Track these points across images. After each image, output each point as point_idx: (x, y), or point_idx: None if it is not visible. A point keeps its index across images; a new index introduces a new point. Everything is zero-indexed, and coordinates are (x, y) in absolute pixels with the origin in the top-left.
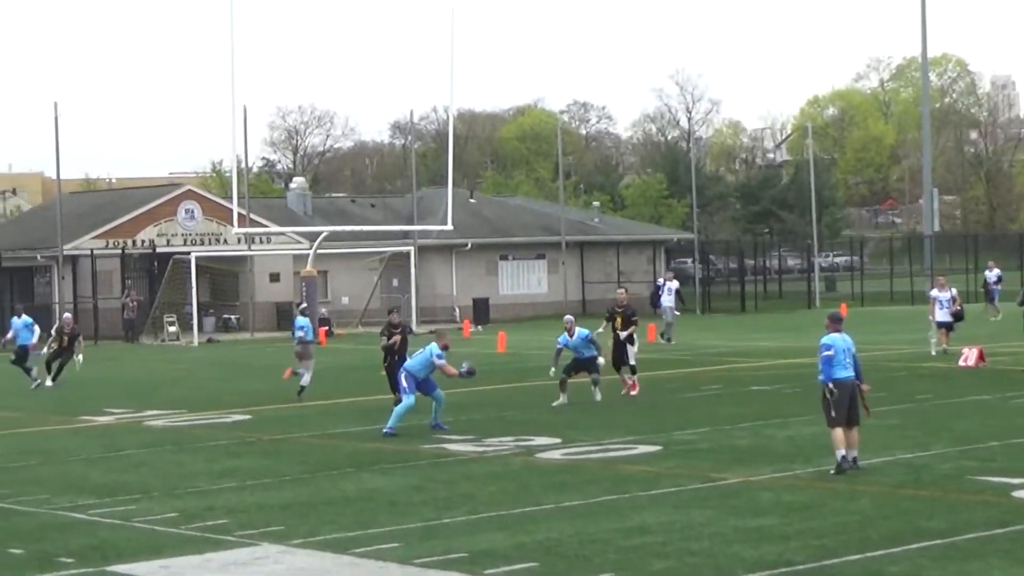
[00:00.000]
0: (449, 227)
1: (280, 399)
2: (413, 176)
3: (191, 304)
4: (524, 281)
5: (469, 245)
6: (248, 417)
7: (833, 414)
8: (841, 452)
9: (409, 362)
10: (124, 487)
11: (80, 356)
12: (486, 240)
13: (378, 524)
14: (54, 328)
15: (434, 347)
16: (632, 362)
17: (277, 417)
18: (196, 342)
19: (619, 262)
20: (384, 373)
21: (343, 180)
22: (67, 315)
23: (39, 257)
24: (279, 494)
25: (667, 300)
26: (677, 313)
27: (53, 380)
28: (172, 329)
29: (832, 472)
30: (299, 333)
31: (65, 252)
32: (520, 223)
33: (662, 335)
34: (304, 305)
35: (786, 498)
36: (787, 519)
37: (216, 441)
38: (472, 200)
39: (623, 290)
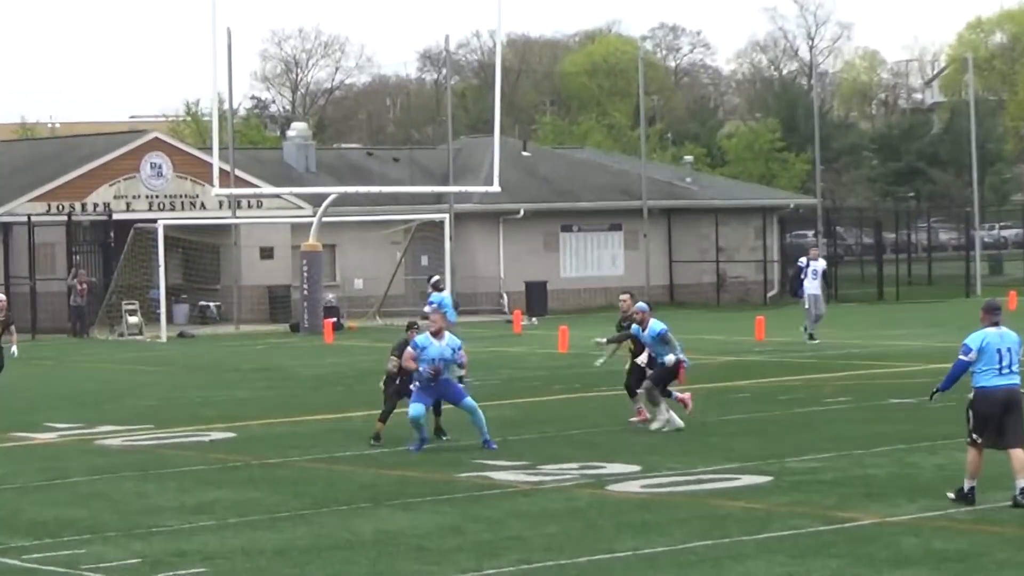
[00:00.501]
0: (495, 188)
1: (274, 410)
2: (449, 122)
3: (157, 288)
4: (593, 259)
5: (522, 212)
6: (232, 435)
7: (974, 435)
8: (970, 482)
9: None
10: (70, 525)
11: (15, 348)
12: (544, 206)
13: (399, 574)
14: None
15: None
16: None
17: (268, 435)
18: (164, 336)
19: (718, 235)
20: (382, 387)
21: (357, 127)
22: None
23: None
24: (271, 535)
25: (812, 286)
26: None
27: None
28: (133, 320)
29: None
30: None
31: None
32: (588, 184)
33: (804, 329)
34: (437, 278)
35: (936, 545)
36: (938, 572)
37: (190, 466)
38: (526, 153)
39: (627, 296)
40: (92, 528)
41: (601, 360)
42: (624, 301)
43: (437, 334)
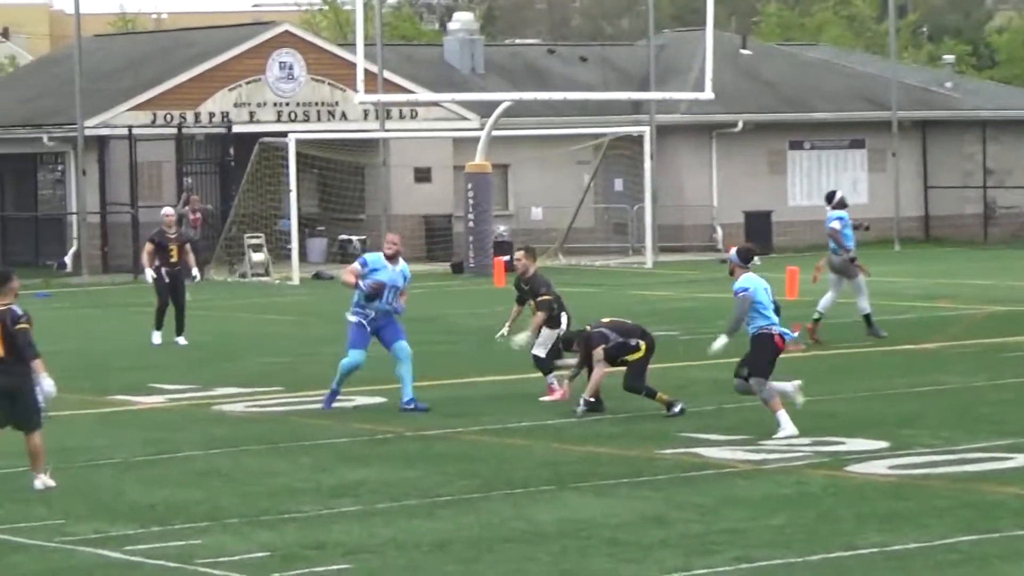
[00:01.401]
0: (708, 95)
1: (432, 370)
2: (650, 12)
3: (288, 218)
4: (829, 184)
5: (740, 125)
6: (380, 400)
7: None
8: None
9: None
10: (182, 509)
11: (195, 271)
12: (768, 117)
13: (589, 574)
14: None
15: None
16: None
17: (425, 399)
18: (296, 278)
19: (985, 154)
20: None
21: (534, 18)
22: (168, 209)
23: (46, 139)
24: (429, 524)
25: None
26: None
27: (179, 334)
28: (258, 257)
29: None
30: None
31: (88, 131)
32: (823, 90)
33: None
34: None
35: None
36: None
37: (328, 438)
38: (745, 52)
39: (522, 252)
40: (209, 514)
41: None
42: (519, 260)
43: (393, 258)
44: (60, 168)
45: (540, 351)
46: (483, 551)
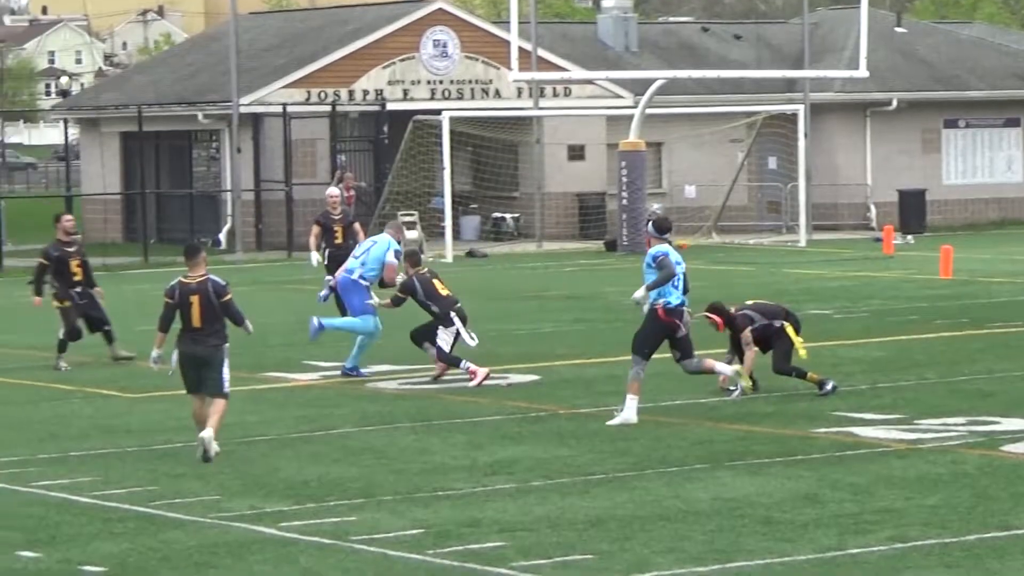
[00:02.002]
0: (862, 72)
1: (586, 348)
2: None
3: (441, 195)
4: (984, 162)
5: (895, 103)
6: (534, 378)
7: None
8: None
9: (351, 261)
10: (336, 486)
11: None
12: (923, 95)
13: (744, 553)
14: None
15: (392, 241)
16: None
17: (579, 378)
18: (450, 256)
19: None
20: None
21: None
22: (332, 190)
23: (201, 117)
24: (584, 503)
25: None
26: None
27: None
28: (411, 235)
29: None
30: None
31: (243, 109)
32: (979, 67)
33: None
34: None
35: None
36: None
37: (482, 415)
38: (900, 29)
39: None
40: (364, 491)
41: None
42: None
43: None
44: (215, 145)
45: (444, 346)
46: (637, 529)
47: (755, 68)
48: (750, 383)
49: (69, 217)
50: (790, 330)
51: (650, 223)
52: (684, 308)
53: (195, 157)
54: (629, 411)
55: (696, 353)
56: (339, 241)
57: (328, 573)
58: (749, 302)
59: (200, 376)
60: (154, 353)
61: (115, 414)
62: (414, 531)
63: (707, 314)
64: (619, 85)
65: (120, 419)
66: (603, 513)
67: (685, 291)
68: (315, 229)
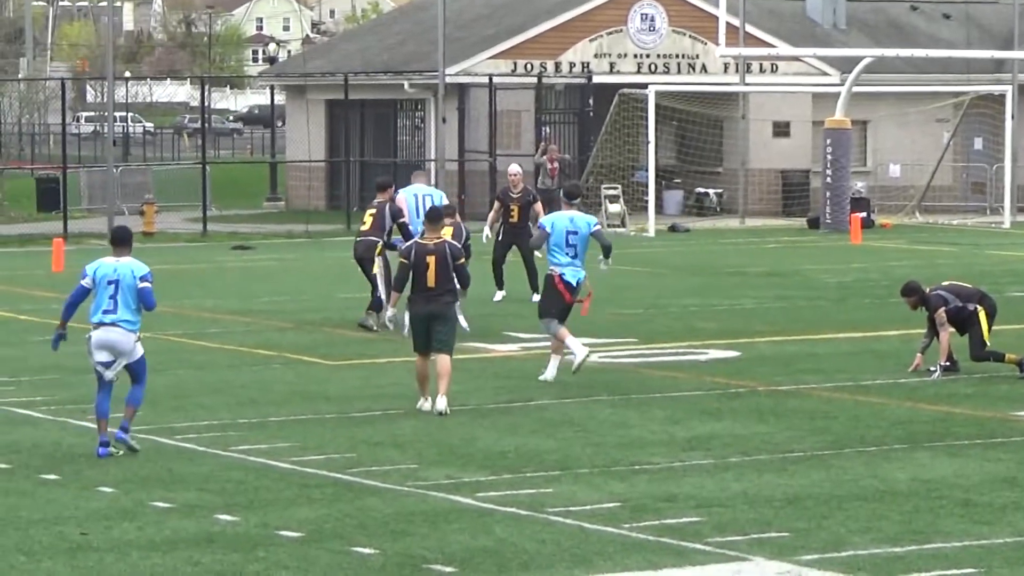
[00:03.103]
0: None
1: (786, 325)
2: None
3: (645, 169)
4: None
5: None
6: (734, 354)
7: None
8: None
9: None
10: (534, 458)
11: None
12: None
13: (941, 535)
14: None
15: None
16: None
17: (779, 355)
18: (652, 230)
19: None
20: None
21: None
22: (514, 167)
23: (406, 86)
24: (781, 480)
25: None
26: None
27: (535, 291)
28: (614, 208)
29: None
30: None
31: (449, 79)
32: None
33: None
34: None
35: None
36: None
37: (681, 390)
38: None
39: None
40: (561, 463)
41: None
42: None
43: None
44: (420, 115)
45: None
46: (834, 508)
47: (964, 48)
48: (944, 367)
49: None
50: (983, 316)
51: (561, 190)
52: (578, 285)
53: (400, 126)
54: (551, 370)
55: None
56: (514, 220)
57: (524, 544)
58: (945, 283)
59: (430, 331)
60: (388, 312)
61: (315, 381)
62: (610, 504)
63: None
64: (826, 62)
65: (320, 386)
66: (800, 491)
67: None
68: (495, 205)
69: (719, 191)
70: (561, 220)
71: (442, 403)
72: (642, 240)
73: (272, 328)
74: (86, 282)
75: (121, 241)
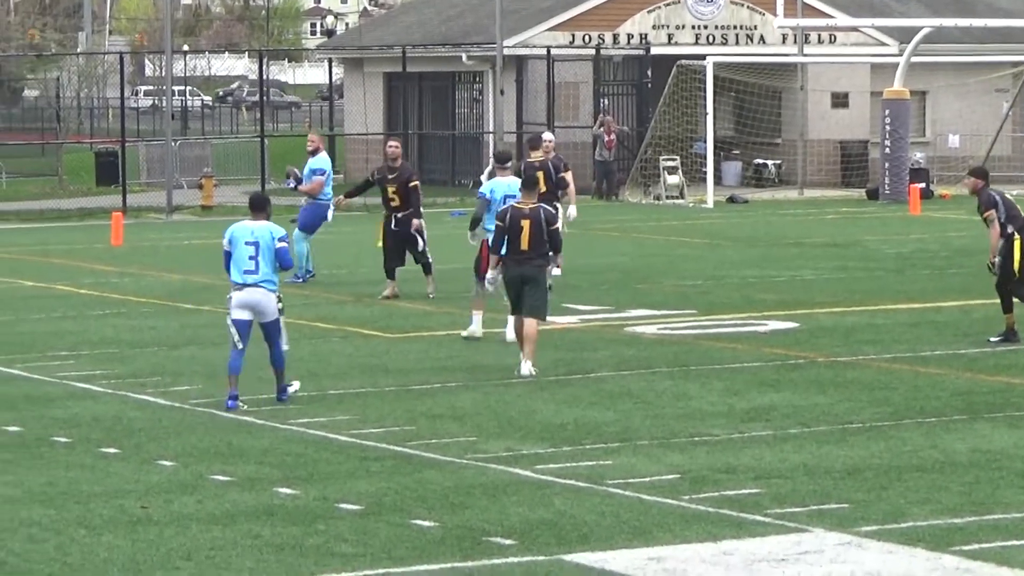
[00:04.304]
0: None
1: (845, 296)
2: None
3: (704, 141)
4: None
5: None
6: (793, 325)
7: None
8: None
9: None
10: (593, 430)
11: (572, 209)
12: None
13: (1001, 505)
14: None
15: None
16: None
17: (839, 326)
18: (711, 201)
19: None
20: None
21: None
22: (547, 134)
23: (464, 58)
24: (840, 451)
25: None
26: None
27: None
28: (672, 180)
29: None
30: None
31: (507, 51)
32: None
33: None
34: None
35: None
36: None
37: (740, 362)
38: None
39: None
40: (620, 435)
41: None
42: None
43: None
44: (478, 87)
45: None
46: (893, 479)
47: (1022, 17)
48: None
49: (393, 143)
50: (1017, 244)
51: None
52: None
53: (458, 99)
54: (474, 325)
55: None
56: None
57: (583, 516)
58: (1009, 196)
59: (521, 293)
60: (490, 274)
61: (374, 353)
62: (670, 476)
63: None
64: (884, 33)
65: (379, 359)
66: (859, 462)
67: None
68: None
69: (778, 162)
70: (500, 186)
71: (526, 367)
72: (701, 211)
73: (330, 301)
74: (226, 244)
75: (257, 206)
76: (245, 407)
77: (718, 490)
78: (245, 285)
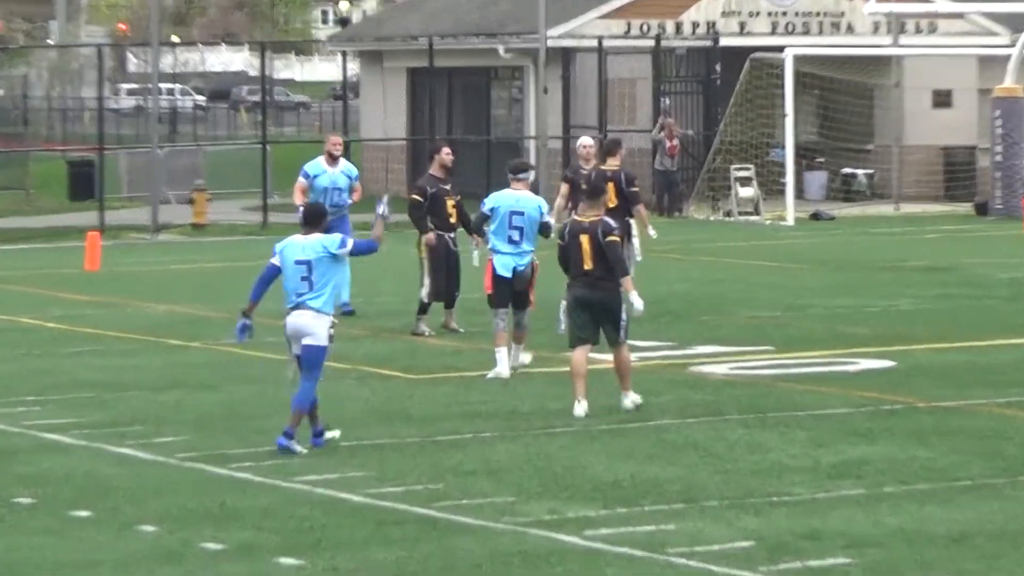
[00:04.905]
0: None
1: (951, 329)
2: None
3: (782, 147)
4: None
5: None
6: (888, 364)
7: None
8: None
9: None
10: (653, 488)
11: (651, 230)
12: None
13: None
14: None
15: None
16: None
17: (943, 365)
18: (791, 218)
19: None
20: None
21: None
22: (585, 139)
23: (502, 51)
24: (945, 513)
25: None
26: None
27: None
28: (746, 193)
29: None
30: None
31: (551, 42)
32: None
33: None
34: None
35: None
36: None
37: (826, 408)
38: None
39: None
40: (684, 494)
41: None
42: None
43: (334, 160)
44: (517, 84)
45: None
46: (1007, 546)
47: None
48: None
49: (448, 150)
50: None
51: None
52: (516, 275)
53: (494, 98)
54: (500, 365)
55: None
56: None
57: None
58: None
59: (592, 321)
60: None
61: (394, 398)
62: (744, 543)
63: None
64: (994, 20)
65: (399, 404)
66: (968, 527)
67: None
68: (563, 188)
69: (869, 172)
70: (504, 200)
71: (628, 400)
72: (779, 230)
73: (344, 336)
74: (275, 260)
75: (311, 220)
76: (300, 448)
77: (801, 560)
78: (297, 307)
